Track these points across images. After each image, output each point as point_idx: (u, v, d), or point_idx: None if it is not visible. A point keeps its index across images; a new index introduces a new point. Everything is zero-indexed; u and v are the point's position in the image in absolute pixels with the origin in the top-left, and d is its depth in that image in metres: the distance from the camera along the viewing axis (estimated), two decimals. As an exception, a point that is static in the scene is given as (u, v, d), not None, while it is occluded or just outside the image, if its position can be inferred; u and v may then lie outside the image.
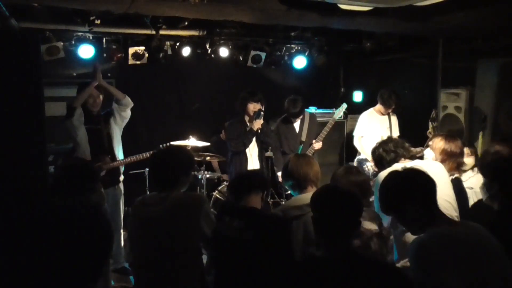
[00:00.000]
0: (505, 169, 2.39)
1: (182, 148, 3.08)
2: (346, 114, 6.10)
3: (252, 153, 4.59)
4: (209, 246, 2.46)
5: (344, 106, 5.25)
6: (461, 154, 3.22)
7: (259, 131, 4.42)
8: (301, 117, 4.99)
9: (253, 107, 4.46)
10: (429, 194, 1.94)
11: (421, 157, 3.39)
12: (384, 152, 3.14)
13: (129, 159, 4.25)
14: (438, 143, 3.21)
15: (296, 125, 5.05)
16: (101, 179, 3.53)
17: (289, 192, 2.91)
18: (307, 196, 2.45)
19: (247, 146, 4.50)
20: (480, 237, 1.89)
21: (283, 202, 5.05)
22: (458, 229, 1.91)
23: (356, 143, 5.33)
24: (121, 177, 4.32)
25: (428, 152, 3.31)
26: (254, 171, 2.46)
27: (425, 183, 1.96)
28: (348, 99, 7.14)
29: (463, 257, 1.79)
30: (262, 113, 4.42)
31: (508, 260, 1.87)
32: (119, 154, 4.25)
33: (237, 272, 2.25)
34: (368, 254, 2.28)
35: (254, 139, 4.54)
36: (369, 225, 2.38)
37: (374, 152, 3.22)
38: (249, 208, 2.40)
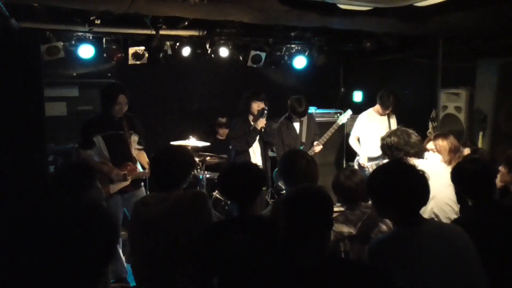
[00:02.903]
0: (462, 174, 2.42)
1: (182, 147, 3.07)
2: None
3: (256, 152, 4.60)
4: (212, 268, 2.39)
5: (349, 112, 5.22)
6: (458, 150, 3.25)
7: (262, 130, 4.44)
8: (305, 116, 4.98)
9: (257, 106, 4.47)
10: (407, 200, 1.91)
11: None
12: (388, 149, 3.11)
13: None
14: (442, 144, 3.23)
15: (297, 126, 5.04)
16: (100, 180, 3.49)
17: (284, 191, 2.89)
18: None
19: (251, 145, 4.52)
20: (448, 239, 1.89)
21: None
22: (420, 230, 1.90)
23: (352, 142, 5.32)
24: (142, 183, 4.20)
25: (429, 156, 3.30)
26: (251, 172, 2.31)
27: (408, 188, 1.92)
28: (348, 99, 7.15)
29: (419, 259, 1.82)
30: (265, 112, 4.43)
31: (477, 264, 1.88)
32: (138, 164, 4.13)
33: (247, 284, 2.19)
34: (349, 258, 2.34)
35: (257, 138, 4.54)
36: (341, 228, 2.45)
37: (382, 140, 3.17)
38: (252, 219, 2.31)
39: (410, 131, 3.12)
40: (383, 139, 3.15)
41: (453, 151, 3.18)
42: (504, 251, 2.06)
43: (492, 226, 2.10)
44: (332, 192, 2.59)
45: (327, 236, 1.96)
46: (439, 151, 3.25)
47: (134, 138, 4.06)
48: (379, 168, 2.12)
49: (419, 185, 1.93)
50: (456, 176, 2.44)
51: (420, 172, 1.98)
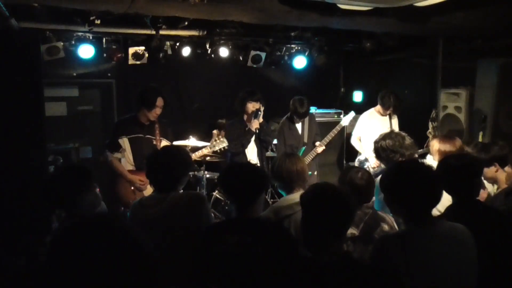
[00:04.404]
0: (443, 171, 2.39)
1: (178, 148, 3.06)
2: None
3: (251, 154, 4.58)
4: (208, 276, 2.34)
5: (352, 114, 5.22)
6: (460, 151, 3.23)
7: (257, 131, 4.42)
8: (306, 117, 4.98)
9: (252, 106, 4.45)
10: (419, 199, 1.93)
11: (424, 156, 3.39)
12: (382, 150, 3.14)
13: None
14: (432, 145, 3.25)
15: (299, 126, 5.03)
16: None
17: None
18: (295, 196, 2.48)
19: (245, 146, 4.50)
20: (459, 242, 1.91)
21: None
22: (430, 230, 1.93)
23: (354, 142, 5.33)
24: None
25: (429, 158, 3.32)
26: (252, 172, 2.26)
27: (421, 187, 1.94)
28: (348, 99, 7.15)
29: (426, 259, 1.85)
30: (260, 113, 4.40)
31: (474, 265, 1.90)
32: None
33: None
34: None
35: (252, 139, 4.53)
36: None
37: (375, 145, 3.22)
38: (251, 220, 2.25)
39: (403, 133, 3.16)
40: (376, 142, 3.18)
41: (443, 154, 3.17)
42: (480, 252, 1.99)
43: (470, 226, 2.07)
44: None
45: (343, 236, 1.91)
46: (431, 152, 3.27)
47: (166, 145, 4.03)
48: (393, 166, 2.16)
49: (432, 185, 1.95)
50: (438, 172, 2.39)
51: (434, 173, 2.01)
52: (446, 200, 2.58)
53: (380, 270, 1.83)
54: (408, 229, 1.99)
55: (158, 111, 3.93)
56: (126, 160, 3.93)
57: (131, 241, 1.09)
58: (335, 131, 4.96)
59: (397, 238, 1.98)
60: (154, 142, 3.99)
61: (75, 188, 2.34)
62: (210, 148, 4.30)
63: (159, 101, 3.92)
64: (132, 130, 3.91)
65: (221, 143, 4.29)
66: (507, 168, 2.91)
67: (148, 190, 3.85)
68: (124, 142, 3.89)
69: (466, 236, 1.95)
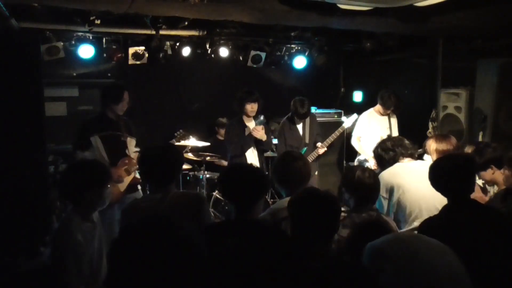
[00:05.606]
0: (436, 172, 2.37)
1: (169, 145, 3.07)
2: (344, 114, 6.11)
3: (250, 155, 4.57)
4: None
5: (355, 116, 5.22)
6: (456, 150, 3.23)
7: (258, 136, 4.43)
8: (307, 118, 4.98)
9: (250, 107, 4.44)
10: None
11: (421, 157, 3.41)
12: (383, 151, 3.16)
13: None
14: (429, 145, 3.28)
15: (300, 127, 5.03)
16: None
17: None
18: None
19: (245, 150, 4.49)
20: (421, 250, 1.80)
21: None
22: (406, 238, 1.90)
23: (354, 142, 5.33)
24: (139, 186, 4.11)
25: (427, 158, 3.33)
26: (253, 175, 2.23)
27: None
28: (348, 99, 7.15)
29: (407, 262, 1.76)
30: (261, 118, 4.42)
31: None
32: None
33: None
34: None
35: (253, 140, 4.53)
36: (346, 232, 2.35)
37: (375, 152, 3.25)
38: (250, 222, 2.22)
39: (400, 137, 3.26)
40: (375, 148, 3.22)
41: (441, 153, 3.17)
42: (473, 254, 1.92)
43: (464, 227, 2.03)
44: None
45: (332, 239, 1.94)
46: (428, 152, 3.28)
47: (132, 141, 4.02)
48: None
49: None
50: (431, 174, 2.38)
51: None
52: (445, 200, 2.59)
53: (371, 273, 1.82)
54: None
55: (125, 104, 3.91)
56: (97, 158, 3.90)
57: (190, 242, 1.16)
58: (337, 133, 4.96)
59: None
60: (122, 138, 3.95)
61: (100, 180, 2.34)
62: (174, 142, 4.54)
63: (126, 95, 3.90)
64: (103, 128, 3.86)
65: (184, 137, 4.63)
66: (503, 170, 2.90)
67: (125, 183, 3.83)
68: (97, 140, 3.81)
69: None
